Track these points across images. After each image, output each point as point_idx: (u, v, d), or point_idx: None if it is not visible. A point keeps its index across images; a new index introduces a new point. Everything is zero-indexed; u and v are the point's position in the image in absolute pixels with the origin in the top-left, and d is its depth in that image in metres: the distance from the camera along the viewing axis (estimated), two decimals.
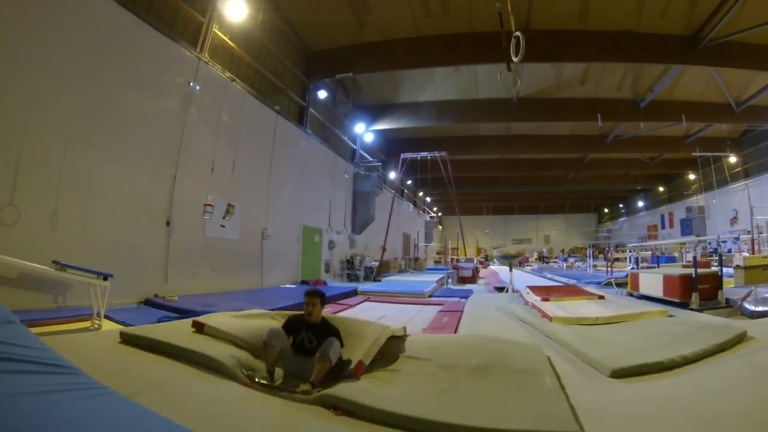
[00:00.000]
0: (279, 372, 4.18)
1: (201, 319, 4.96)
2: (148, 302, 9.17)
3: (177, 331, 4.84)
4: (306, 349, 4.19)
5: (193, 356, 4.09)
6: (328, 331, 4.29)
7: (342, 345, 4.25)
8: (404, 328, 5.32)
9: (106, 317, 7.02)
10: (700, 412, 3.31)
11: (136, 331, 4.80)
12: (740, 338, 5.24)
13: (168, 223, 10.27)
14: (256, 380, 3.86)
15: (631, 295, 11.62)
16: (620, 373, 4.37)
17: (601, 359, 4.70)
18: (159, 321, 6.90)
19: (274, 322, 5.02)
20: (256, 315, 5.48)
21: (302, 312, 4.45)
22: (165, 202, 10.26)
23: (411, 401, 3.43)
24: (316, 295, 4.40)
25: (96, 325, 6.67)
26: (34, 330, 4.41)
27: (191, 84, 10.92)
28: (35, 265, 6.56)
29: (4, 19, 6.84)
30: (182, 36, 10.86)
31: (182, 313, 7.82)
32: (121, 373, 3.66)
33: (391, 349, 4.74)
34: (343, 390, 3.49)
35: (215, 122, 11.97)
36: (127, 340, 4.59)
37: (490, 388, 3.78)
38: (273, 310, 6.55)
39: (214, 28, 11.79)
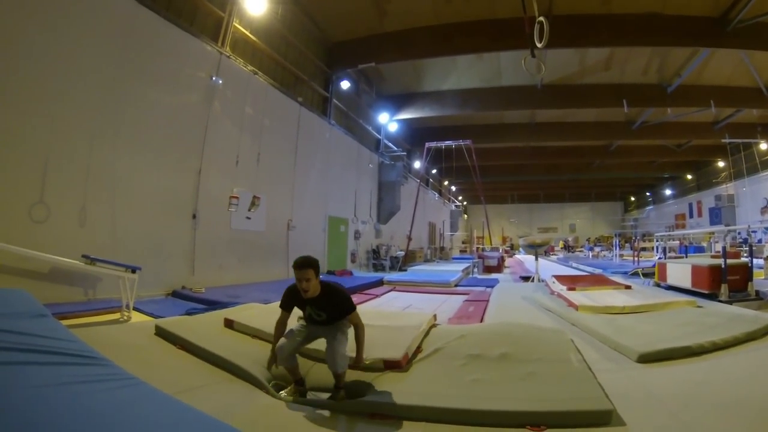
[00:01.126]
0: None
1: (231, 315, 5.07)
2: (175, 294, 9.34)
3: (209, 327, 4.95)
4: (317, 321, 3.72)
5: (223, 363, 4.16)
6: (332, 299, 3.65)
7: (350, 310, 3.67)
8: (434, 316, 5.37)
9: (135, 309, 7.16)
10: (727, 398, 3.29)
11: (170, 327, 4.90)
12: None
13: (194, 216, 10.41)
14: (283, 394, 3.76)
15: (658, 285, 11.45)
16: (648, 358, 4.35)
17: (628, 344, 4.68)
18: (187, 313, 7.01)
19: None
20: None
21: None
22: (191, 195, 10.40)
23: (446, 393, 3.46)
24: (308, 266, 3.50)
25: (125, 317, 6.81)
26: (66, 322, 4.53)
27: (214, 78, 11.01)
28: (66, 259, 6.72)
29: (30, 19, 6.98)
30: (203, 31, 10.93)
31: (209, 304, 7.94)
32: (151, 369, 3.74)
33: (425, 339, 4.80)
34: (378, 396, 3.48)
35: (239, 115, 12.05)
36: (161, 333, 4.71)
37: (518, 373, 3.79)
38: None
39: (234, 23, 11.84)
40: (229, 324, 5.08)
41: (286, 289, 3.80)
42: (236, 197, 11.03)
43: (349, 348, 3.66)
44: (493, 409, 3.10)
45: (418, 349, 4.55)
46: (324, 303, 3.64)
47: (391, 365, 4.07)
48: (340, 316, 3.68)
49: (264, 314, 5.38)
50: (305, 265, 3.50)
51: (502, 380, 3.68)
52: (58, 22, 7.41)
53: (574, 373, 3.77)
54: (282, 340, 3.69)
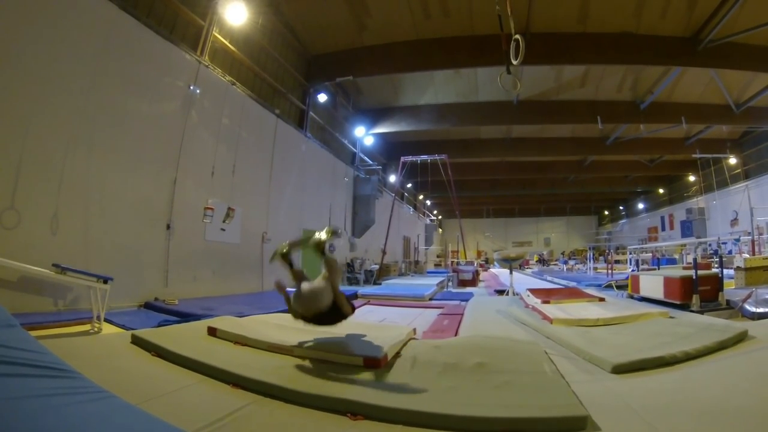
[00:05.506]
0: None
1: (213, 324, 5.11)
2: (148, 305, 9.15)
3: (185, 337, 4.91)
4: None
5: (199, 366, 4.13)
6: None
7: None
8: (414, 330, 5.40)
9: (106, 320, 7.01)
10: (701, 405, 3.33)
11: (147, 336, 4.85)
12: (741, 337, 5.25)
13: (168, 227, 10.27)
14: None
15: (631, 297, 11.59)
16: (621, 369, 4.39)
17: (602, 356, 4.72)
18: (159, 325, 6.90)
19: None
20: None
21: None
22: (165, 205, 10.27)
23: (424, 398, 3.45)
24: (285, 257, 4.62)
25: (96, 329, 6.66)
26: (35, 333, 4.43)
27: (192, 87, 10.94)
28: (35, 268, 6.55)
29: (4, 22, 6.86)
30: (183, 39, 10.88)
31: (183, 316, 7.83)
32: (124, 380, 3.68)
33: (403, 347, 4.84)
34: (358, 394, 3.49)
35: (216, 126, 11.98)
36: (137, 341, 4.68)
37: (494, 382, 3.81)
38: (273, 313, 6.59)
39: (214, 32, 11.81)
40: (212, 332, 5.10)
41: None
42: (211, 208, 10.93)
43: None
44: (469, 415, 3.10)
45: (397, 355, 4.57)
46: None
47: (370, 363, 4.13)
48: None
49: (245, 325, 5.38)
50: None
51: (477, 388, 3.69)
52: (35, 24, 7.27)
53: (549, 382, 3.80)
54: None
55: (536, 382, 3.82)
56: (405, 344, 5.03)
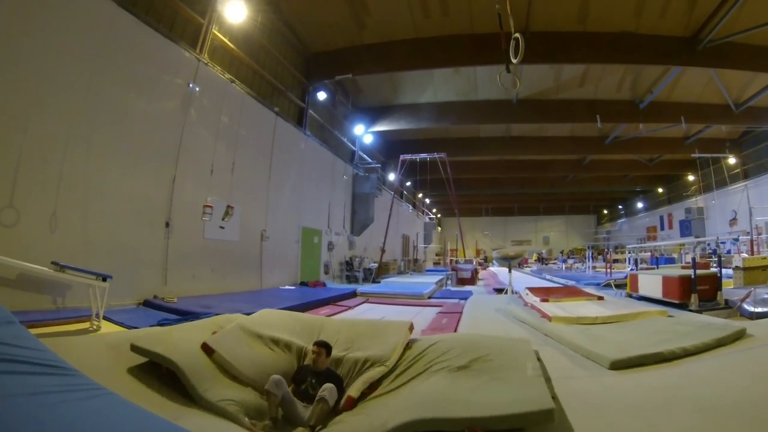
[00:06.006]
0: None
1: (213, 344, 4.68)
2: (147, 303, 9.17)
3: (187, 348, 4.71)
4: (309, 396, 4.20)
5: (199, 399, 4.01)
6: (332, 377, 4.40)
7: (342, 390, 4.34)
8: (411, 323, 5.36)
9: (105, 318, 7.01)
10: (700, 400, 3.34)
11: (146, 345, 4.67)
12: (739, 335, 5.27)
13: (167, 225, 10.27)
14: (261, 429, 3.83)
15: (630, 296, 11.62)
16: (620, 365, 4.40)
17: (600, 352, 4.73)
18: (159, 323, 6.89)
19: (285, 356, 4.98)
20: (270, 340, 5.19)
21: (309, 362, 4.70)
22: (164, 203, 10.26)
23: (401, 405, 3.46)
24: (323, 346, 4.61)
25: (95, 326, 6.67)
26: (34, 331, 4.41)
27: (191, 85, 10.93)
28: (34, 266, 6.55)
29: (4, 20, 6.85)
30: (182, 37, 10.87)
31: (182, 314, 7.83)
32: (123, 378, 3.69)
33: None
34: (341, 427, 3.53)
35: (215, 123, 11.98)
36: (135, 349, 4.54)
37: (473, 382, 3.76)
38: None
39: (213, 30, 11.80)
40: (209, 352, 4.68)
41: (297, 366, 4.83)
42: (210, 206, 10.92)
43: None
44: (436, 417, 3.06)
45: (378, 383, 4.47)
46: (324, 377, 4.33)
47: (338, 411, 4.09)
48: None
49: (247, 348, 5.07)
50: (323, 344, 4.62)
51: (453, 390, 3.65)
52: (34, 22, 7.27)
53: (525, 379, 3.70)
54: (279, 377, 4.14)
55: (513, 380, 3.72)
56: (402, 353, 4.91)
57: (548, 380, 3.91)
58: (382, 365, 4.66)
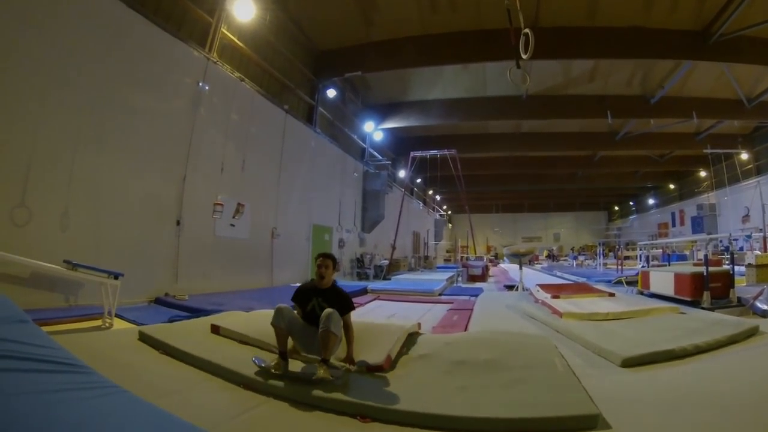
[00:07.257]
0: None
1: (217, 321, 5.07)
2: (158, 301, 9.24)
3: (192, 333, 4.91)
4: (316, 318, 4.00)
5: (206, 365, 4.16)
6: (339, 296, 4.25)
7: (351, 306, 4.27)
8: (418, 324, 5.36)
9: (117, 316, 7.06)
10: (713, 397, 3.32)
11: (153, 333, 4.86)
12: (752, 332, 5.24)
13: (178, 223, 10.32)
14: (271, 369, 3.84)
15: (641, 293, 11.55)
16: (631, 362, 4.38)
17: (612, 349, 4.71)
18: (170, 320, 6.95)
19: None
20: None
21: (312, 280, 4.48)
22: (175, 201, 10.32)
23: (435, 400, 3.42)
24: (329, 257, 4.36)
25: (107, 324, 6.71)
26: (46, 329, 4.46)
27: (200, 84, 10.96)
28: (47, 264, 6.61)
29: (14, 20, 6.90)
30: (191, 36, 10.90)
31: (193, 312, 7.86)
32: (136, 375, 3.71)
33: (408, 345, 4.78)
34: (368, 396, 3.46)
35: (224, 122, 12.01)
36: (144, 338, 4.67)
37: (504, 380, 3.77)
38: None
39: (222, 29, 11.82)
40: (215, 330, 5.09)
41: (299, 286, 4.53)
42: (221, 204, 10.97)
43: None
44: (480, 416, 3.08)
45: (402, 351, 4.53)
46: (332, 296, 4.20)
47: (373, 369, 4.09)
48: (340, 311, 4.04)
49: (250, 320, 5.36)
50: (328, 256, 4.37)
51: (488, 387, 3.65)
52: (44, 23, 7.32)
53: (559, 379, 3.76)
54: (284, 305, 4.11)
55: (546, 378, 3.78)
56: (408, 339, 4.95)
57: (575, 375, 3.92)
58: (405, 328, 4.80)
